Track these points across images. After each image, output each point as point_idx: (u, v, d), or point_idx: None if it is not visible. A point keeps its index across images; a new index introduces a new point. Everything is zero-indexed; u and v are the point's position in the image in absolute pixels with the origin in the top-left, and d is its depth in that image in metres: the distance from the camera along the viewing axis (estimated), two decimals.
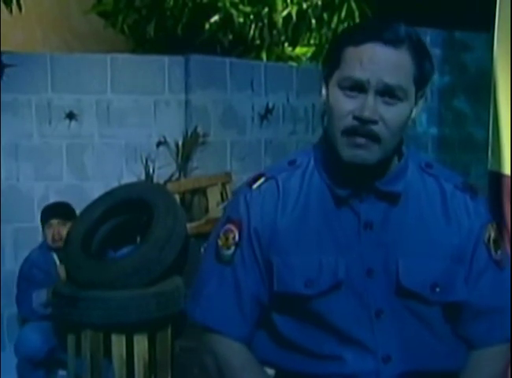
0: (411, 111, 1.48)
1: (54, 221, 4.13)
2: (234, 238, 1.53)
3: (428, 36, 7.55)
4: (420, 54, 1.45)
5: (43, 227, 4.19)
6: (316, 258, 1.48)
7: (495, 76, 2.58)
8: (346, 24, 6.00)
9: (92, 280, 3.71)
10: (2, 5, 4.82)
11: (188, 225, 4.17)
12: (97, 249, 4.06)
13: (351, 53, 1.43)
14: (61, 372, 4.08)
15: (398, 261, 1.48)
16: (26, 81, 4.63)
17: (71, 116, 4.73)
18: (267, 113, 5.32)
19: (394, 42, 1.41)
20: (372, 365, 1.48)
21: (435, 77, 7.62)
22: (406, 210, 1.51)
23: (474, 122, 7.67)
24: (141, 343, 3.72)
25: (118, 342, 3.71)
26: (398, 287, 1.47)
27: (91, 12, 5.61)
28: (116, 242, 4.15)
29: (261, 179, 1.55)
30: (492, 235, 1.56)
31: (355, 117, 1.41)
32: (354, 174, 1.47)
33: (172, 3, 5.31)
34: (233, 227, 1.53)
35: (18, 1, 4.85)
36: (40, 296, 4.00)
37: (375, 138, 1.41)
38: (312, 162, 1.54)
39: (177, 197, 4.45)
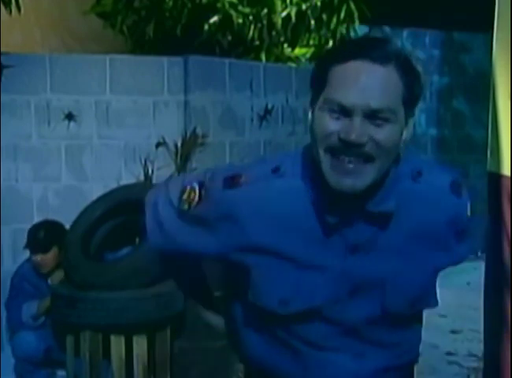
0: (401, 132, 1.39)
1: (38, 254, 4.10)
2: (193, 199, 1.51)
3: (427, 37, 7.56)
4: (408, 73, 1.38)
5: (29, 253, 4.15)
6: (294, 278, 1.43)
7: (494, 77, 2.58)
8: (345, 25, 6.00)
9: (91, 281, 3.71)
10: (1, 6, 4.81)
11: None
12: (96, 250, 4.06)
13: (337, 72, 1.36)
14: (61, 373, 4.08)
15: (383, 284, 1.45)
16: (25, 82, 4.63)
17: (70, 117, 4.72)
18: (266, 114, 5.32)
19: (381, 59, 1.35)
20: (347, 362, 1.48)
21: (435, 78, 7.63)
22: (395, 228, 1.45)
23: (473, 123, 7.68)
24: (140, 344, 3.72)
25: (117, 343, 3.71)
26: (381, 309, 1.46)
27: (90, 12, 5.60)
28: (115, 244, 4.14)
29: (240, 181, 1.45)
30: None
31: (341, 139, 1.34)
32: (343, 197, 1.39)
33: (171, 4, 5.30)
34: (197, 190, 1.51)
35: (17, 1, 4.84)
36: (30, 309, 4.02)
37: (367, 158, 1.35)
38: (298, 176, 1.45)
39: None
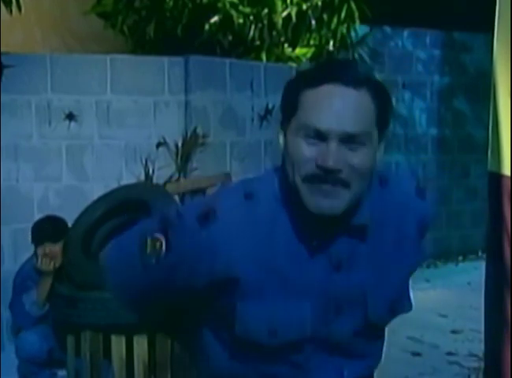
0: (375, 154, 1.38)
1: (46, 243, 4.04)
2: (161, 247, 1.41)
3: (428, 37, 7.56)
4: (380, 96, 1.37)
5: (34, 247, 4.07)
6: (281, 308, 1.40)
7: (495, 77, 2.58)
8: (345, 25, 6.00)
9: (92, 281, 3.71)
10: (2, 6, 4.81)
11: None
12: (96, 250, 4.05)
13: (309, 97, 1.34)
14: (61, 373, 4.08)
15: (366, 297, 1.44)
16: (25, 82, 4.63)
17: (70, 116, 4.72)
18: (267, 114, 5.32)
19: (354, 82, 1.33)
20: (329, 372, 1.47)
21: (435, 78, 7.62)
22: (371, 238, 1.44)
23: (474, 122, 7.68)
24: (141, 344, 3.72)
25: (118, 343, 3.71)
26: (365, 322, 1.46)
27: (91, 12, 5.60)
28: None
29: (212, 215, 1.38)
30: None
31: (318, 166, 1.32)
32: (321, 220, 1.37)
33: (171, 4, 5.30)
34: (163, 241, 1.41)
35: (18, 1, 4.85)
36: (30, 296, 3.99)
37: (343, 184, 1.34)
38: (273, 200, 1.41)
39: (177, 198, 4.45)
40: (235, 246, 1.38)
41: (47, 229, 4.09)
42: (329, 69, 1.39)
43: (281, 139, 1.41)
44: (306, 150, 1.34)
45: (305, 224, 1.39)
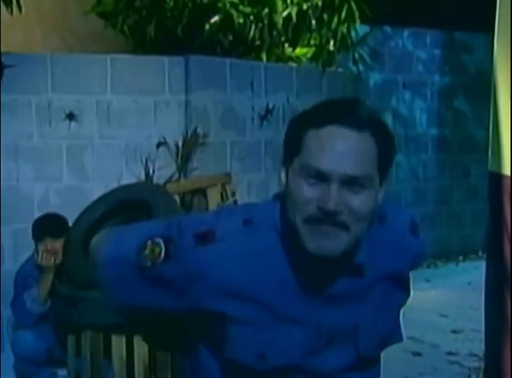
0: (377, 196, 1.38)
1: (47, 238, 4.04)
2: (160, 255, 1.42)
3: (428, 37, 7.56)
4: (383, 138, 1.37)
5: (35, 243, 4.06)
6: (271, 332, 1.40)
7: (495, 77, 2.58)
8: (346, 25, 6.00)
9: (92, 281, 3.71)
10: (2, 6, 4.82)
11: None
12: None
13: (313, 137, 1.34)
14: (61, 373, 4.08)
15: (357, 331, 1.44)
16: (26, 82, 4.63)
17: (71, 116, 4.73)
18: (267, 114, 5.32)
19: (357, 124, 1.33)
20: None
21: (436, 78, 7.62)
22: (365, 277, 1.44)
23: (474, 122, 7.68)
24: (141, 344, 3.72)
25: (118, 343, 3.71)
26: (356, 355, 1.46)
27: (91, 12, 5.61)
28: None
29: (210, 237, 1.39)
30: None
31: (319, 208, 1.32)
32: (320, 260, 1.37)
33: (172, 4, 5.31)
34: (162, 246, 1.42)
35: (18, 1, 4.85)
36: (31, 293, 3.98)
37: (342, 226, 1.33)
38: (273, 232, 1.41)
39: (177, 197, 4.45)
40: (228, 270, 1.38)
41: (48, 225, 4.08)
42: (333, 110, 1.38)
43: (283, 176, 1.40)
44: (307, 191, 1.33)
45: (301, 260, 1.39)
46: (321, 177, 1.33)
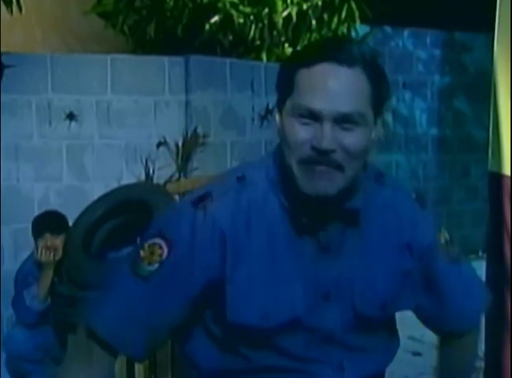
0: (371, 134, 1.37)
1: (47, 234, 4.02)
2: (161, 255, 1.38)
3: (428, 37, 7.56)
4: (375, 73, 1.36)
5: (35, 240, 4.03)
6: (272, 290, 1.39)
7: (495, 77, 2.58)
8: (346, 25, 6.01)
9: (92, 281, 3.71)
10: (2, 6, 4.82)
11: None
12: (97, 249, 4.05)
13: (304, 76, 1.33)
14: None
15: (354, 285, 1.43)
16: (26, 82, 4.63)
17: (71, 116, 4.73)
18: (267, 114, 5.32)
19: (348, 61, 1.32)
20: (328, 374, 1.45)
21: (436, 78, 7.63)
22: (362, 228, 1.44)
23: (474, 122, 7.68)
24: None
25: None
26: (354, 312, 1.44)
27: (91, 12, 5.61)
28: (116, 243, 4.14)
29: (208, 199, 1.40)
30: (446, 237, 1.56)
31: (312, 147, 1.32)
32: (315, 201, 1.37)
33: (172, 4, 5.31)
34: (163, 244, 1.39)
35: (18, 1, 4.85)
36: (31, 291, 3.98)
37: (336, 166, 1.33)
38: (265, 181, 1.42)
39: (177, 197, 4.45)
40: (223, 228, 1.37)
41: (49, 221, 4.07)
42: (324, 48, 1.38)
43: (277, 119, 1.40)
44: (301, 131, 1.33)
45: (296, 204, 1.39)
46: (314, 116, 1.32)
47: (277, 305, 1.39)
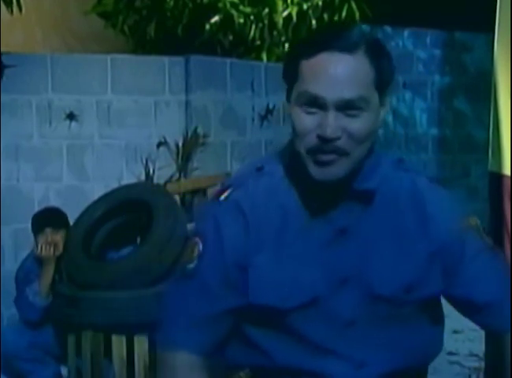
0: (378, 116, 1.40)
1: (48, 230, 4.01)
2: (198, 251, 1.46)
3: (429, 37, 7.56)
4: (378, 55, 1.39)
5: (35, 235, 4.01)
6: (291, 273, 1.42)
7: (496, 77, 2.58)
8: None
9: (92, 281, 3.71)
10: (2, 6, 4.82)
11: (188, 226, 4.17)
12: (97, 249, 4.06)
13: (306, 66, 1.36)
14: (63, 372, 4.08)
15: (372, 266, 1.43)
16: (26, 82, 4.63)
17: (71, 116, 4.73)
18: (267, 114, 5.32)
19: (349, 47, 1.35)
20: (348, 371, 1.44)
21: (436, 77, 7.63)
22: (380, 210, 1.45)
23: (474, 122, 7.67)
24: (141, 344, 3.72)
25: (118, 343, 3.71)
26: (372, 294, 1.43)
27: (91, 12, 5.61)
28: (116, 243, 4.15)
29: (229, 190, 1.47)
30: (477, 223, 1.53)
31: (318, 136, 1.35)
32: (326, 185, 1.41)
33: (172, 4, 5.31)
34: (198, 240, 1.47)
35: (18, 1, 4.85)
36: (33, 287, 3.96)
37: (342, 153, 1.36)
38: (281, 169, 1.47)
39: (177, 197, 4.45)
40: (245, 213, 1.44)
41: (49, 216, 4.06)
42: (324, 37, 1.40)
43: (288, 109, 1.43)
44: (307, 120, 1.37)
45: (309, 189, 1.43)
46: (318, 105, 1.35)
47: (297, 286, 1.42)
